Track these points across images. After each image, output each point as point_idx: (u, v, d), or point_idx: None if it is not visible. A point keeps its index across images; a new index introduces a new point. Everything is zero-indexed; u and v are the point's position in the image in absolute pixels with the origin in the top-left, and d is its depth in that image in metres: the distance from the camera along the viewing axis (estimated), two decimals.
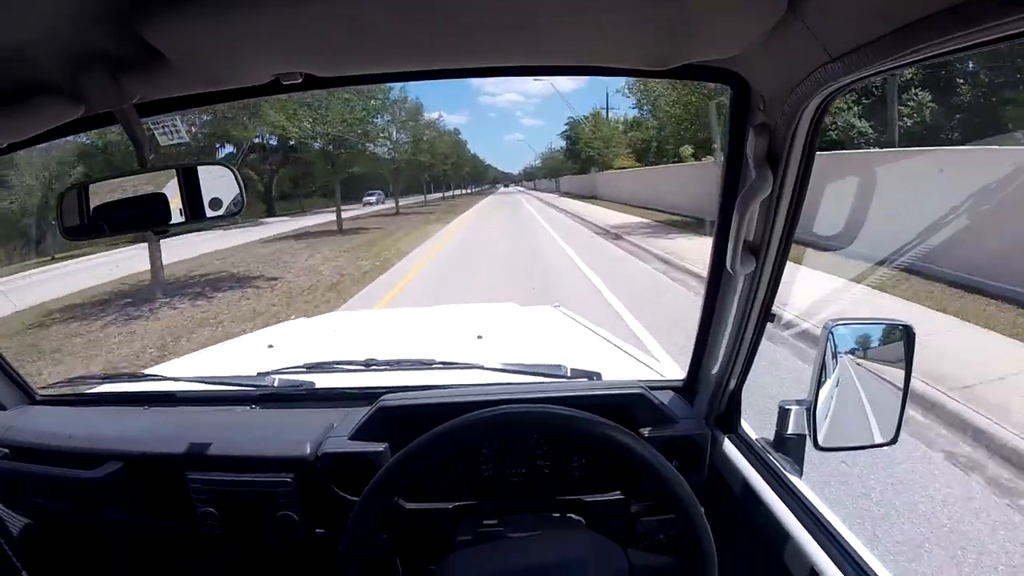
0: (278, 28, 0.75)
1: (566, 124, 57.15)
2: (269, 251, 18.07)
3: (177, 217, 1.17)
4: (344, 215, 24.56)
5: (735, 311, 1.20)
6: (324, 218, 28.50)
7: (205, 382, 1.69)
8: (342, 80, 1.06)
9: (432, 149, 37.35)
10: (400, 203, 38.66)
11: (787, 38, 0.77)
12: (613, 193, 34.21)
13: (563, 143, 60.10)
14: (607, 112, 46.41)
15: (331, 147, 20.67)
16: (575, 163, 50.53)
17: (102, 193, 1.20)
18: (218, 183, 1.19)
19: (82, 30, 0.76)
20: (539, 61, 0.97)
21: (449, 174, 59.53)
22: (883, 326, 1.20)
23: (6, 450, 1.55)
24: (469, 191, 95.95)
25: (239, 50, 0.83)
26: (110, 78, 0.86)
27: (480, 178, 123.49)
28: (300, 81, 0.95)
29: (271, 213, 41.74)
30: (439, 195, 67.54)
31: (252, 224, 29.71)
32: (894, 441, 1.18)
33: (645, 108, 29.45)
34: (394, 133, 29.71)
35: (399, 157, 31.32)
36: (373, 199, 50.44)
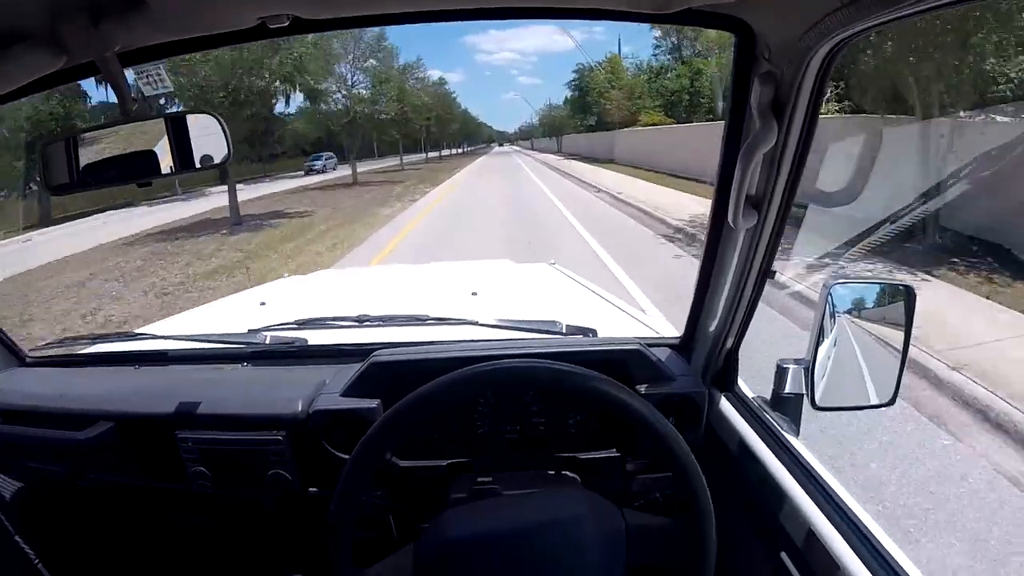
0: None
1: (574, 71, 50.08)
2: None
3: (165, 169, 1.15)
4: (268, 190, 20.04)
5: (735, 267, 1.18)
6: (211, 203, 20.21)
7: (196, 340, 1.67)
8: (332, 23, 1.02)
9: (403, 97, 30.23)
10: (368, 168, 33.67)
11: None
12: (637, 156, 26.23)
13: (567, 97, 54.18)
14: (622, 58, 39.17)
15: (226, 98, 15.48)
16: (583, 119, 42.42)
17: (88, 147, 1.18)
18: (203, 132, 1.16)
19: None
20: (536, 3, 0.94)
21: (433, 132, 49.13)
22: (883, 286, 1.19)
23: None
24: (461, 151, 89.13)
25: None
26: (91, 25, 0.83)
27: (473, 136, 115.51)
28: (287, 24, 0.91)
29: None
30: (422, 156, 58.56)
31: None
32: (892, 402, 1.17)
33: (676, 51, 25.78)
34: (349, 76, 25.25)
35: (356, 108, 25.49)
36: (319, 164, 41.10)
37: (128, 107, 1.03)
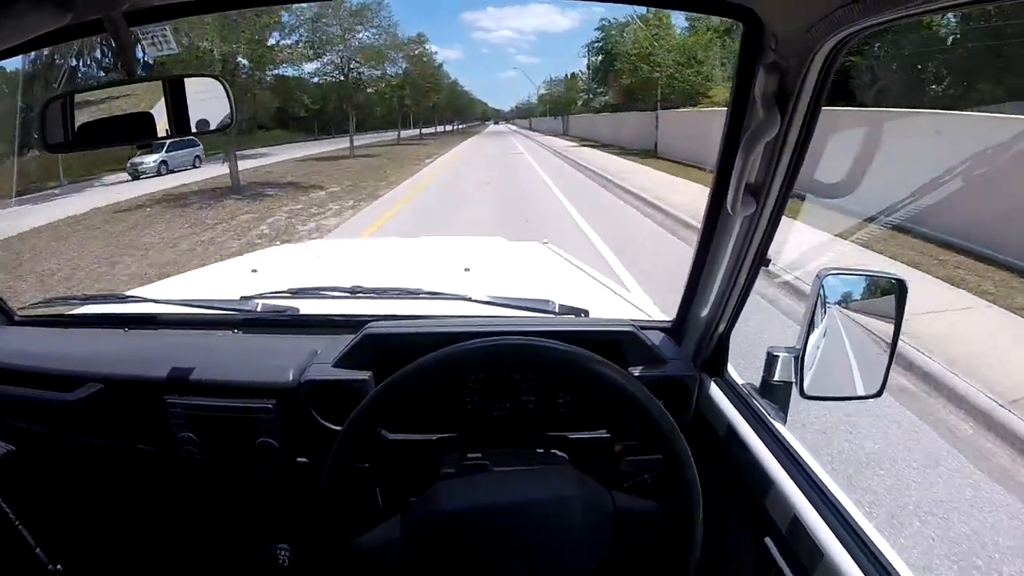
0: None
1: (597, 29, 38.20)
2: None
3: (162, 133, 1.15)
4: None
5: (730, 254, 1.18)
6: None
7: (187, 305, 1.66)
8: None
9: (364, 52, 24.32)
10: (299, 154, 25.58)
11: None
12: (696, 149, 17.35)
13: (586, 67, 43.17)
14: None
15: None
16: (606, 92, 31.23)
17: (86, 106, 1.17)
18: (206, 95, 1.15)
19: None
20: None
21: (408, 105, 37.71)
22: (876, 278, 1.19)
23: None
24: (451, 128, 76.52)
25: None
26: None
27: (465, 112, 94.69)
28: None
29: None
30: (393, 136, 42.15)
31: None
32: (879, 394, 1.18)
33: None
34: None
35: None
36: (148, 162, 22.89)
37: (132, 67, 1.03)
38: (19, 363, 1.52)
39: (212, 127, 1.17)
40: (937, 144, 7.38)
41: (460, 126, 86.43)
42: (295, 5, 21.70)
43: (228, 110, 1.14)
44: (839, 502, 1.02)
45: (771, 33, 0.93)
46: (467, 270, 2.14)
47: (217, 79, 1.13)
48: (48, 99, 1.14)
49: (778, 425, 1.22)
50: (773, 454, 1.16)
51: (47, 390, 1.46)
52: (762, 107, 0.95)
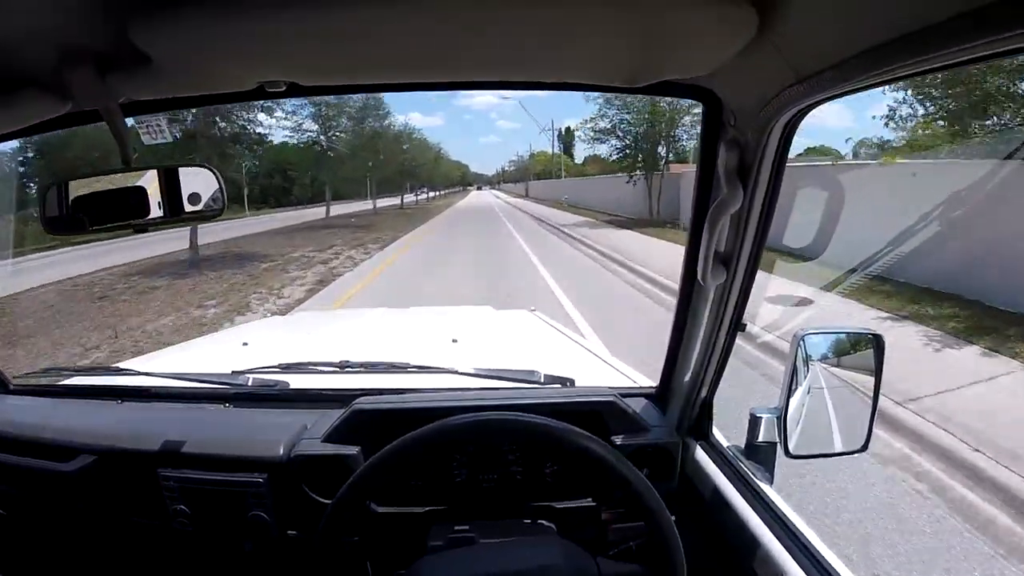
0: (264, 38, 0.76)
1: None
2: None
3: (156, 211, 1.17)
4: None
5: (706, 321, 1.22)
6: None
7: (179, 378, 1.68)
8: (326, 89, 1.07)
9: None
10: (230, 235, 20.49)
11: (758, 58, 0.80)
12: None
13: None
14: None
15: None
16: (633, 154, 21.86)
17: (82, 189, 1.20)
18: (198, 183, 1.19)
19: (72, 27, 0.77)
20: (515, 76, 0.99)
21: (370, 170, 31.72)
22: (853, 334, 1.23)
23: None
24: (433, 194, 70.46)
25: (225, 57, 0.84)
26: (97, 76, 0.86)
27: (449, 177, 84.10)
28: (284, 89, 0.96)
29: None
30: (368, 205, 37.46)
31: None
32: (864, 448, 1.20)
33: None
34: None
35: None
36: None
37: (128, 155, 1.06)
38: (13, 432, 1.53)
39: (203, 208, 1.20)
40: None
41: (442, 192, 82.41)
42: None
43: (220, 198, 1.17)
44: (828, 563, 1.03)
45: (730, 111, 0.99)
46: (455, 341, 2.16)
47: (210, 168, 1.17)
48: (47, 184, 1.17)
49: (764, 486, 1.23)
50: (759, 516, 1.17)
51: (41, 459, 1.46)
52: (725, 180, 1.00)
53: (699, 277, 1.13)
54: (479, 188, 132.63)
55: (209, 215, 1.21)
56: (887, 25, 0.61)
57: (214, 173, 1.17)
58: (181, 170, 1.18)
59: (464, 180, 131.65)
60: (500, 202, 56.16)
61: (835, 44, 0.69)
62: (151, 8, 0.69)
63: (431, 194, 69.45)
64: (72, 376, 1.93)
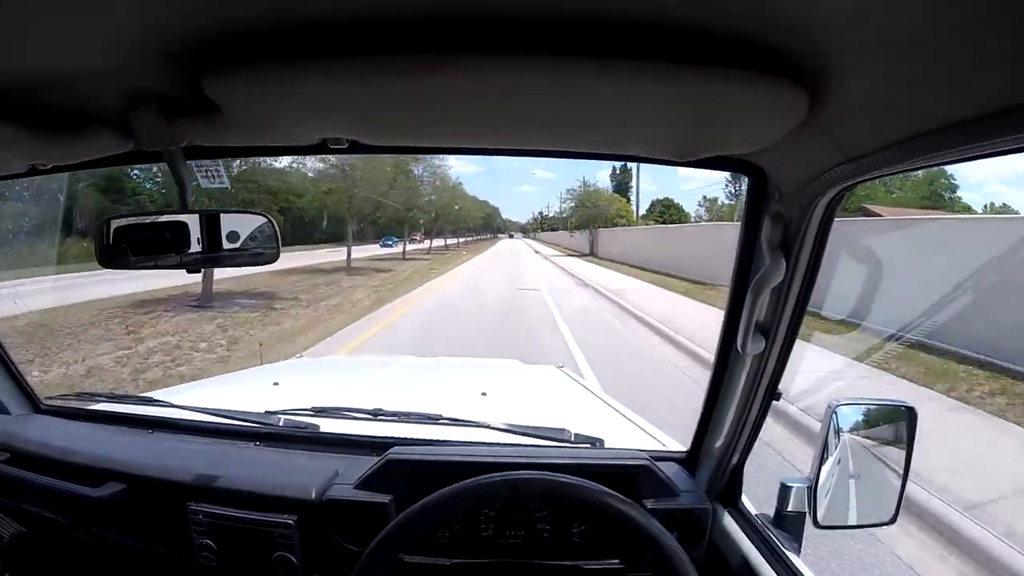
0: (333, 98, 0.80)
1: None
2: None
3: (195, 247, 1.17)
4: None
5: (742, 388, 1.23)
6: None
7: (210, 413, 1.70)
8: (385, 149, 1.11)
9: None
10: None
11: (806, 138, 0.82)
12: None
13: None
14: None
15: None
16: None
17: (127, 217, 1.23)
18: (252, 228, 1.22)
19: (146, 72, 0.81)
20: (572, 148, 1.02)
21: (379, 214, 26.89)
22: (886, 406, 1.22)
23: (6, 454, 1.57)
24: (459, 241, 62.08)
25: (292, 114, 0.87)
26: (164, 120, 0.90)
27: (460, 223, 56.33)
28: (346, 146, 1.00)
29: None
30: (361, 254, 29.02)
31: None
32: (893, 520, 1.20)
33: None
34: None
35: None
36: None
37: (187, 199, 1.09)
38: (42, 452, 1.55)
39: (249, 254, 1.22)
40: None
41: (456, 241, 68.14)
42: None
43: (275, 246, 1.20)
44: None
45: (775, 186, 1.02)
46: (484, 394, 2.16)
47: (267, 217, 1.20)
48: (104, 219, 1.20)
49: (792, 556, 1.22)
50: None
51: (69, 481, 1.48)
52: (768, 253, 1.02)
53: (738, 345, 1.14)
54: (511, 236, 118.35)
55: (251, 259, 1.22)
56: (937, 113, 0.64)
57: (269, 220, 1.20)
58: (229, 216, 1.20)
59: (489, 224, 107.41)
60: (544, 274, 24.22)
61: (884, 128, 0.72)
62: (227, 62, 0.73)
63: (425, 243, 47.70)
64: (103, 401, 1.95)
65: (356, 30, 0.68)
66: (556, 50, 0.68)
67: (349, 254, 24.27)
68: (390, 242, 44.69)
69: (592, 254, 38.52)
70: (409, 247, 39.57)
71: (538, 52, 0.68)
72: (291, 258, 23.32)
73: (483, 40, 0.68)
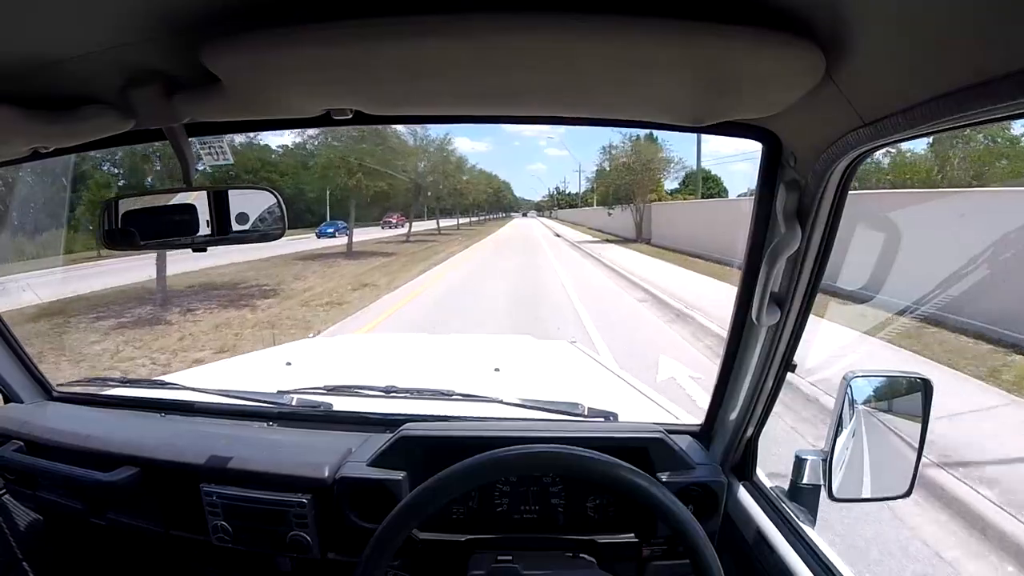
0: (334, 67, 0.78)
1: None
2: None
3: (204, 229, 1.18)
4: None
5: (756, 360, 1.21)
6: None
7: (222, 395, 1.71)
8: (390, 119, 1.09)
9: None
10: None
11: (822, 101, 0.80)
12: None
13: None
14: None
15: None
16: None
17: (133, 205, 1.23)
18: (255, 204, 1.21)
19: (144, 49, 0.79)
20: (582, 113, 1.00)
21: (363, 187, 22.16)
22: (901, 378, 1.21)
23: (20, 443, 1.58)
24: (478, 218, 61.28)
25: (294, 83, 0.85)
26: (164, 97, 0.88)
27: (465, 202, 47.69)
28: (350, 116, 0.98)
29: None
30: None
31: None
32: (908, 493, 1.19)
33: None
34: None
35: None
36: None
37: (189, 176, 1.09)
38: (55, 439, 1.56)
39: (253, 234, 1.21)
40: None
41: (483, 217, 70.86)
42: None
43: (281, 221, 1.19)
44: None
45: (790, 152, 0.99)
46: (497, 370, 2.16)
47: (272, 192, 1.19)
48: (108, 200, 1.19)
49: (807, 529, 1.22)
50: (802, 558, 1.16)
51: (83, 467, 1.49)
52: (784, 222, 1.00)
53: (753, 316, 1.13)
54: (524, 215, 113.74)
55: (261, 236, 1.21)
56: (956, 74, 0.61)
57: (274, 194, 1.19)
58: (240, 192, 1.20)
59: (500, 203, 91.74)
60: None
61: (903, 90, 0.70)
62: (225, 33, 0.71)
63: (402, 227, 36.79)
64: (115, 386, 1.97)
65: None
66: (565, 8, 0.66)
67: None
68: (331, 229, 33.69)
69: (643, 239, 25.91)
70: (383, 234, 34.18)
71: (545, 10, 0.66)
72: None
73: (488, 0, 0.66)
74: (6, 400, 1.77)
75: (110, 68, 0.84)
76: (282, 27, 0.70)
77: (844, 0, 0.63)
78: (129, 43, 0.78)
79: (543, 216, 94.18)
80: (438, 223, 43.29)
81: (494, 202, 78.41)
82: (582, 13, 0.66)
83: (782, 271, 1.06)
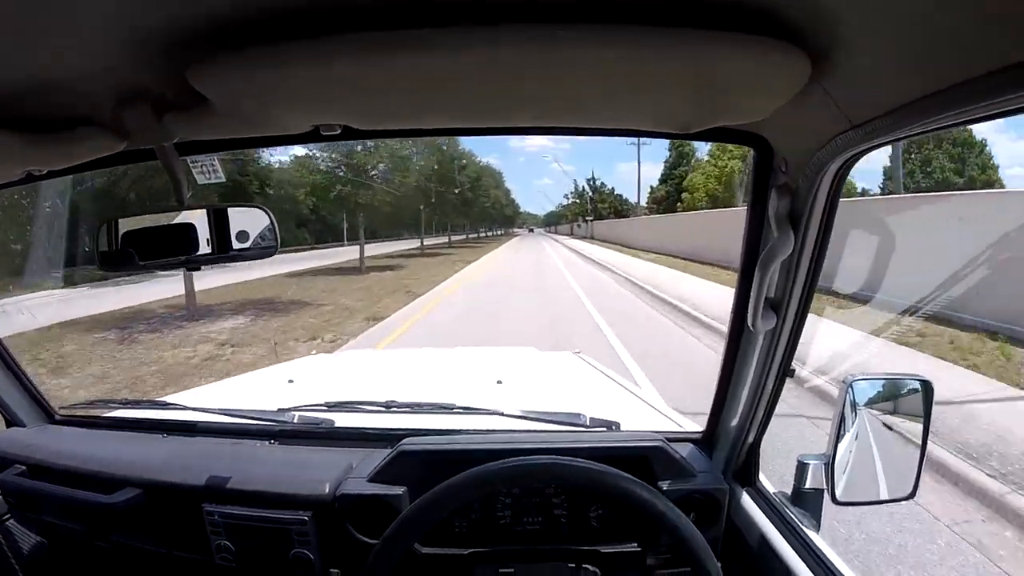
0: (320, 82, 0.77)
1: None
2: None
3: (204, 248, 1.20)
4: None
5: (755, 366, 1.21)
6: None
7: (224, 414, 1.70)
8: (380, 133, 1.09)
9: None
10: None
11: (810, 105, 0.80)
12: None
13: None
14: None
15: None
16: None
17: (132, 226, 1.23)
18: (247, 222, 1.22)
19: (132, 70, 0.80)
20: (569, 123, 1.00)
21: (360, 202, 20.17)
22: (902, 381, 1.21)
23: (23, 467, 1.58)
24: (479, 234, 61.25)
25: (280, 101, 0.85)
26: (154, 117, 0.89)
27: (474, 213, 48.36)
28: (339, 132, 0.97)
29: None
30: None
31: None
32: (912, 495, 1.18)
33: None
34: None
35: None
36: None
37: (182, 196, 1.09)
38: (58, 462, 1.56)
39: (251, 251, 1.22)
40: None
41: (484, 233, 68.97)
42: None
43: (273, 237, 1.19)
44: None
45: (781, 157, 0.99)
46: (499, 382, 2.14)
47: (263, 209, 1.20)
48: (101, 221, 1.21)
49: (811, 533, 1.21)
50: (807, 564, 1.15)
51: (85, 490, 1.48)
52: (776, 227, 1.00)
53: (749, 323, 1.12)
54: (530, 230, 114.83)
55: (257, 254, 1.22)
56: (942, 74, 0.61)
57: (267, 213, 1.20)
58: (233, 210, 1.21)
59: (509, 220, 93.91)
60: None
61: (890, 91, 0.70)
62: (211, 53, 0.71)
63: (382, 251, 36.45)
64: (117, 408, 1.95)
65: (341, 7, 0.66)
66: (550, 19, 0.66)
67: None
68: None
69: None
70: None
71: (532, 21, 0.66)
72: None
73: (475, 11, 0.66)
74: (8, 424, 1.76)
75: (100, 89, 0.85)
76: (266, 45, 0.69)
77: (828, 4, 0.63)
78: (118, 65, 0.78)
79: (549, 233, 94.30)
80: (422, 244, 39.61)
81: (497, 216, 76.13)
82: (567, 24, 0.66)
83: (776, 277, 1.06)
